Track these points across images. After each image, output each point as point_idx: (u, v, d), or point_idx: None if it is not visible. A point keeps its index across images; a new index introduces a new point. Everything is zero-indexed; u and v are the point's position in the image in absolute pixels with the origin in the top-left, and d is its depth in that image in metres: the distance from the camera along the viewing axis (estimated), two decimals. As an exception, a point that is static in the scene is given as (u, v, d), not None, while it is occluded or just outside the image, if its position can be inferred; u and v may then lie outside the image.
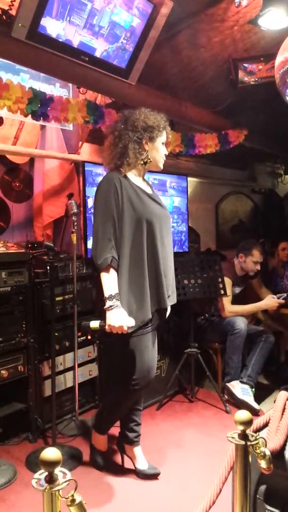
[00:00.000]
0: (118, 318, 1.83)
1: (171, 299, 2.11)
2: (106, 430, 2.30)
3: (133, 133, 2.01)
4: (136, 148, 2.01)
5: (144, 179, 2.17)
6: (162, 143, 2.07)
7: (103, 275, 1.89)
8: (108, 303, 1.85)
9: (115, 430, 2.35)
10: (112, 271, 1.89)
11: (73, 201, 2.66)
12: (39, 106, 2.56)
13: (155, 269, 1.99)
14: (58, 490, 0.83)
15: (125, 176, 2.02)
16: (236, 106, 3.68)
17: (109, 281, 1.89)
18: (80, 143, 3.34)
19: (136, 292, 1.94)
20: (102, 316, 1.91)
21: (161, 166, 2.12)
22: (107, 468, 2.31)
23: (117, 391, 2.12)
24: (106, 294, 1.87)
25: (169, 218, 2.15)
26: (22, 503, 2.03)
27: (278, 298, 3.30)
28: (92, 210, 2.17)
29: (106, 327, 1.86)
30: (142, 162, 2.04)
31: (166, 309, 2.16)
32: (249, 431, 1.08)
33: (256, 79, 3.16)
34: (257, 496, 1.30)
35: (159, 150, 2.06)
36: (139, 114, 2.05)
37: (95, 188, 2.10)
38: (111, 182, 1.96)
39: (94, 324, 1.93)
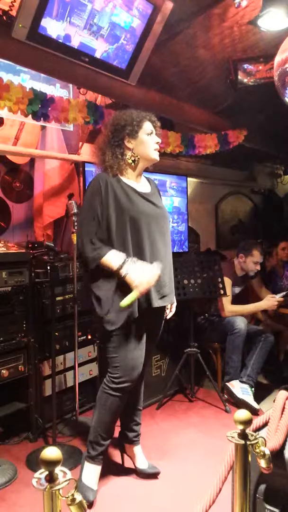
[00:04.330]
0: (139, 275, 1.85)
1: (166, 299, 2.08)
2: (98, 455, 2.06)
3: (109, 139, 2.04)
4: (117, 151, 2.02)
5: (145, 178, 2.16)
6: (148, 134, 2.03)
7: (102, 263, 1.90)
8: (123, 272, 1.86)
9: (115, 430, 2.35)
10: (106, 255, 1.89)
11: (73, 201, 2.66)
12: (40, 107, 2.57)
13: None
14: (58, 489, 0.83)
15: (116, 176, 2.02)
16: (236, 106, 3.69)
17: (110, 259, 1.89)
18: (80, 143, 3.35)
19: (123, 290, 1.91)
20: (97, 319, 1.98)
21: (155, 157, 2.06)
22: (106, 470, 2.31)
23: (103, 389, 2.05)
24: (116, 268, 1.87)
25: (164, 218, 2.12)
26: (23, 503, 2.03)
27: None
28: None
29: (135, 295, 1.85)
30: (130, 162, 2.03)
31: (159, 310, 2.12)
32: (248, 431, 1.09)
33: (256, 79, 3.17)
34: (257, 495, 1.31)
35: (144, 142, 2.03)
36: (110, 120, 2.10)
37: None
38: (97, 182, 1.99)
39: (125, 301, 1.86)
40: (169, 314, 2.24)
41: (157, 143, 2.07)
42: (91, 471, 2.06)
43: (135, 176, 2.08)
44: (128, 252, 1.94)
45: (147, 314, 2.02)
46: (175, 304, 2.25)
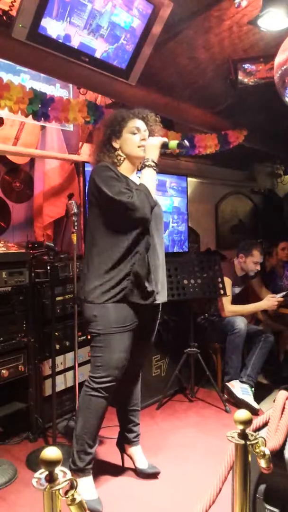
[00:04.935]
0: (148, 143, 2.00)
1: (160, 296, 2.04)
2: (86, 465, 1.97)
3: (99, 139, 2.07)
4: (105, 149, 2.03)
5: (138, 178, 2.14)
6: (132, 133, 2.02)
7: (151, 192, 1.95)
8: (152, 160, 1.98)
9: (114, 429, 2.35)
10: (145, 188, 1.94)
11: (73, 201, 2.66)
12: (40, 107, 2.57)
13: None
14: (58, 489, 0.83)
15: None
16: (236, 106, 3.69)
17: (146, 177, 1.97)
18: (80, 143, 3.35)
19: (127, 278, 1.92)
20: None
21: (140, 153, 2.03)
22: (106, 471, 2.32)
23: (85, 392, 1.99)
24: (150, 168, 1.98)
25: (160, 217, 2.12)
26: (23, 503, 2.03)
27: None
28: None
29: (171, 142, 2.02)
30: (116, 161, 2.03)
31: (153, 308, 2.08)
32: (248, 431, 1.08)
33: (256, 79, 3.17)
34: (257, 495, 1.31)
35: (128, 140, 2.02)
36: (102, 120, 2.16)
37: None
38: (107, 167, 1.95)
39: (173, 143, 2.02)
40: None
41: (143, 139, 2.02)
42: (84, 485, 1.95)
43: (129, 174, 2.06)
44: (130, 241, 1.91)
45: (141, 312, 1.99)
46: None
